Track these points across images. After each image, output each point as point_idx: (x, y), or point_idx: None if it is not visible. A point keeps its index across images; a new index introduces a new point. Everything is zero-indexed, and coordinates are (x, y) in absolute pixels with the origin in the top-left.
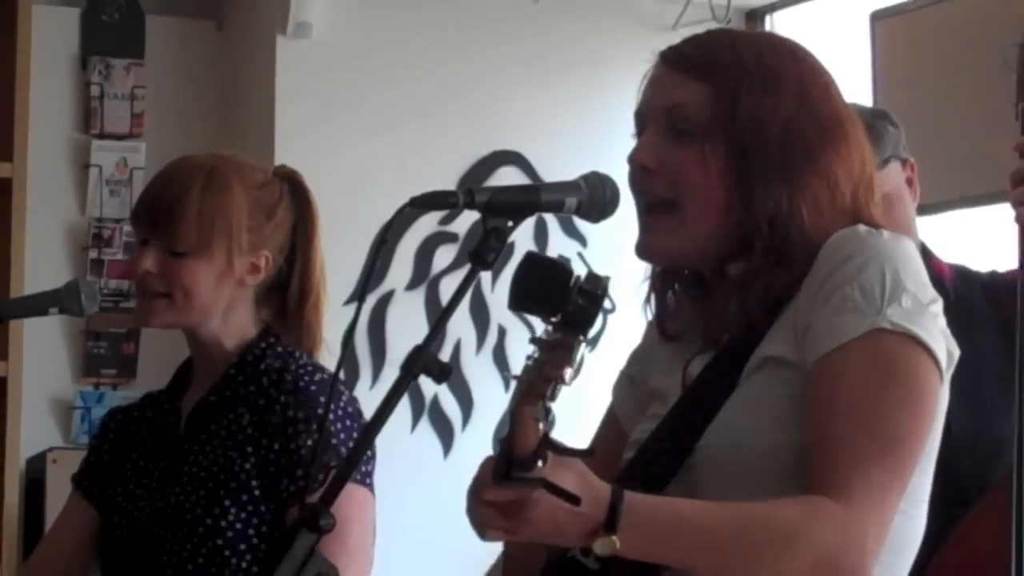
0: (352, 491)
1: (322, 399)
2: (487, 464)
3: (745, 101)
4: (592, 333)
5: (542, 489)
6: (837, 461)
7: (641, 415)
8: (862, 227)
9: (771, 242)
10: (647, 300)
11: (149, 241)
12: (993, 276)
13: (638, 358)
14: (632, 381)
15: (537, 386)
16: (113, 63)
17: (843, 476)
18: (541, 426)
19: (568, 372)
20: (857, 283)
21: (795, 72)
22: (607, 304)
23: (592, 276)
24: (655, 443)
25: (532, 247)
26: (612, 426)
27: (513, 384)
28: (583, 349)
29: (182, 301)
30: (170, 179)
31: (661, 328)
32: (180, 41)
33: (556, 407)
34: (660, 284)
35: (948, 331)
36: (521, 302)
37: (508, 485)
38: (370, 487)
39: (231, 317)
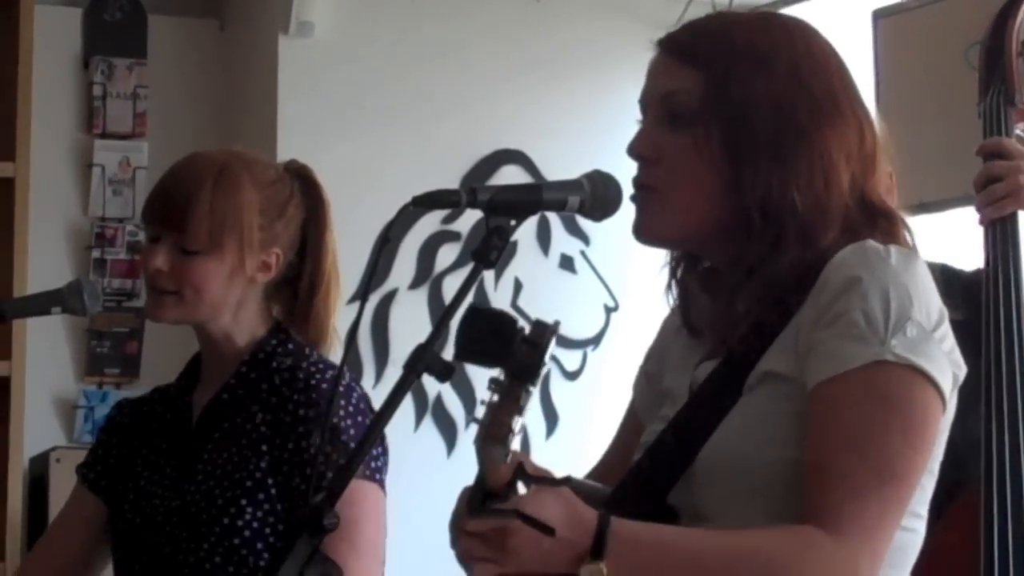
0: (364, 488)
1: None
2: (464, 495)
3: (735, 84)
4: (538, 380)
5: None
6: (832, 490)
7: (656, 413)
8: (871, 245)
9: (765, 227)
10: (668, 287)
11: (160, 238)
12: (978, 274)
13: (654, 355)
14: (648, 378)
15: (493, 430)
16: (115, 63)
17: (837, 506)
18: (506, 462)
19: (517, 420)
20: (862, 310)
21: (787, 51)
22: (551, 351)
23: (538, 325)
24: (657, 451)
25: (535, 245)
26: (632, 422)
27: (474, 425)
28: (531, 397)
29: (192, 299)
30: (181, 177)
31: (685, 318)
32: (182, 41)
33: (565, 403)
34: (677, 275)
35: (955, 349)
36: (466, 354)
37: (484, 516)
38: (381, 484)
39: (241, 314)
